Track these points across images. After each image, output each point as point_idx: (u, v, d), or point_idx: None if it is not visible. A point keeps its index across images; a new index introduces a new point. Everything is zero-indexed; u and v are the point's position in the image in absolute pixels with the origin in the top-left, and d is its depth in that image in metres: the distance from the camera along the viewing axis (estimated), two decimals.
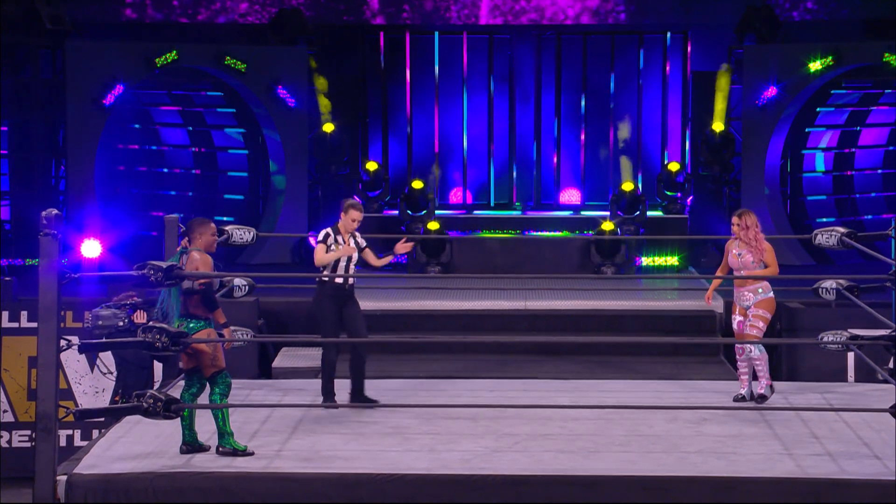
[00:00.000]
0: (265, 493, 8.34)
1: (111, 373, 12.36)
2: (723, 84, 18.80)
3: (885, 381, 10.78)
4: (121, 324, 10.18)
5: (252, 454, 8.86)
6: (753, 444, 9.25)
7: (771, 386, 10.68)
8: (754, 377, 10.65)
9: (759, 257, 10.60)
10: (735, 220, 10.67)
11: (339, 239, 10.82)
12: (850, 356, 12.86)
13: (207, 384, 9.03)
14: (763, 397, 10.61)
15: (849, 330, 11.27)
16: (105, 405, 13.02)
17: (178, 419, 8.73)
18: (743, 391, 10.73)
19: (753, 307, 10.58)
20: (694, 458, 8.88)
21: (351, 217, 10.86)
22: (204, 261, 8.91)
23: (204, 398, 9.07)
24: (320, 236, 10.95)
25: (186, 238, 9.10)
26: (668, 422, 9.90)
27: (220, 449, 8.91)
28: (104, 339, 10.20)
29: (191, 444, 8.97)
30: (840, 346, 11.18)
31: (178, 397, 8.92)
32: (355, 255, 10.91)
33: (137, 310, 10.57)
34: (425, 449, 9.08)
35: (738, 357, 10.78)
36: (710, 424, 9.81)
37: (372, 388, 11.42)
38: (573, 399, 10.91)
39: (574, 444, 9.23)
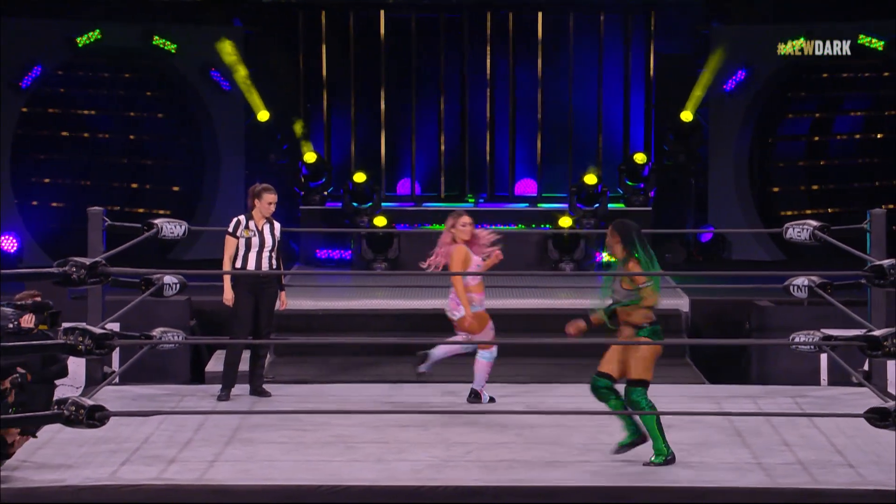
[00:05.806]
0: None
1: None
2: (708, 71, 18.76)
3: (860, 385, 10.89)
4: (10, 326, 9.68)
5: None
6: (721, 453, 9.29)
7: (479, 395, 10.89)
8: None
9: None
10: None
11: (252, 226, 10.85)
12: (824, 358, 12.94)
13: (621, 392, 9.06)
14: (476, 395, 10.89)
15: (822, 330, 11.34)
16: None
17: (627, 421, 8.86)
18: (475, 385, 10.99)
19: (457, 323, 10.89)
20: (658, 467, 8.91)
21: (267, 201, 10.93)
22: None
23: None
24: (230, 226, 10.95)
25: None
26: None
27: (652, 462, 8.88)
28: None
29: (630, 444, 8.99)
30: (812, 347, 11.25)
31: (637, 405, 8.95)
32: (269, 242, 10.90)
33: (27, 312, 10.01)
34: (372, 458, 9.06)
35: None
36: (675, 431, 9.83)
37: (315, 393, 11.41)
38: (529, 405, 10.92)
39: (530, 453, 9.24)
